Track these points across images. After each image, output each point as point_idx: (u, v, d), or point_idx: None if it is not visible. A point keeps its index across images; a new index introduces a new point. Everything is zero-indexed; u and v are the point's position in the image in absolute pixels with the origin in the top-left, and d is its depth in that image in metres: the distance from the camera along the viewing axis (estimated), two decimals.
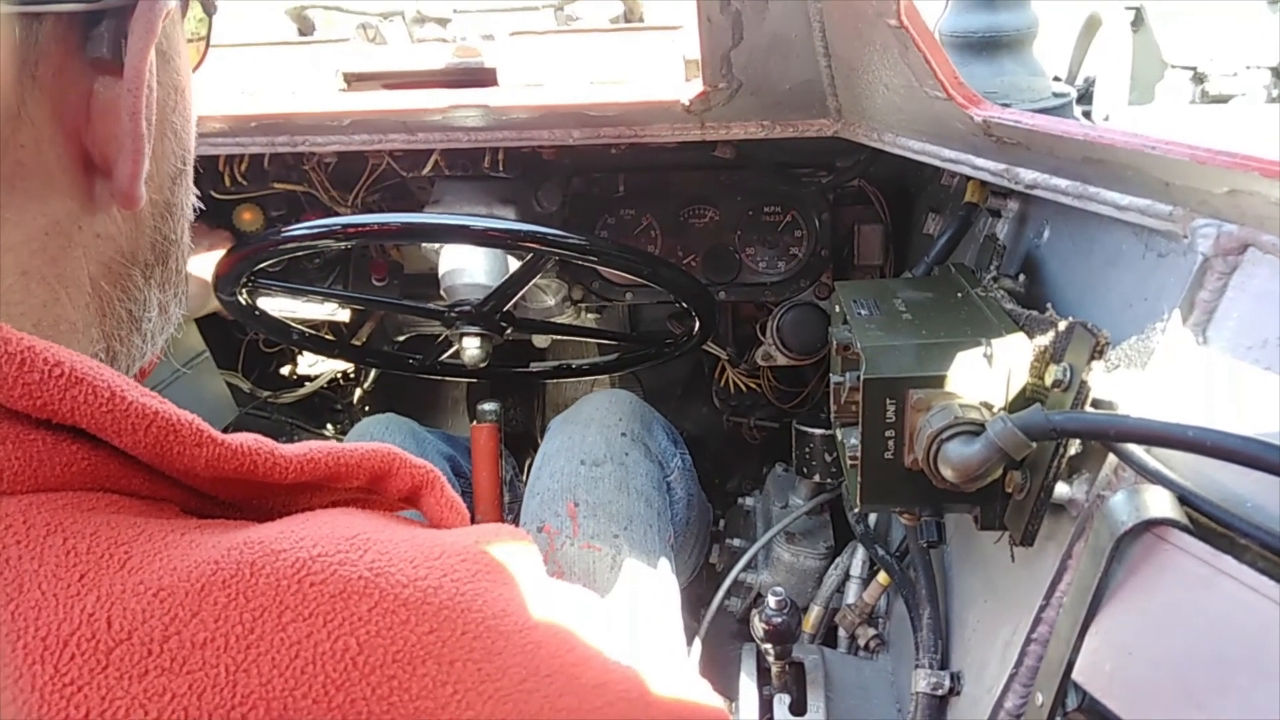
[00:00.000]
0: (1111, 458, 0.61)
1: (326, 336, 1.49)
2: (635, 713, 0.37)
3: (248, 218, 1.40)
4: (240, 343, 1.68)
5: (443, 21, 1.36)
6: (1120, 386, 0.61)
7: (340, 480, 0.43)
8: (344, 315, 1.51)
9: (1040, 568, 0.69)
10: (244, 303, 1.10)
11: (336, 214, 1.36)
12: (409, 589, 0.35)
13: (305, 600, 0.33)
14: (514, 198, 1.28)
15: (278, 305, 1.35)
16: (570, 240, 0.97)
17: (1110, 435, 0.57)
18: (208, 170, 1.29)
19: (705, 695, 0.42)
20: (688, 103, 0.96)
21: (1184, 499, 0.54)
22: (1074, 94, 1.09)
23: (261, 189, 1.33)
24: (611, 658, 0.38)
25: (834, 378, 0.83)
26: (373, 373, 1.89)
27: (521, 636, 0.36)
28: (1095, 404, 0.62)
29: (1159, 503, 0.54)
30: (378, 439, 1.29)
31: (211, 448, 0.37)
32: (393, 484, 0.45)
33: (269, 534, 0.36)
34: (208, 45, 0.51)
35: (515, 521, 1.31)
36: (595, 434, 1.20)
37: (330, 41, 1.33)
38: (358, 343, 1.58)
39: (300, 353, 1.74)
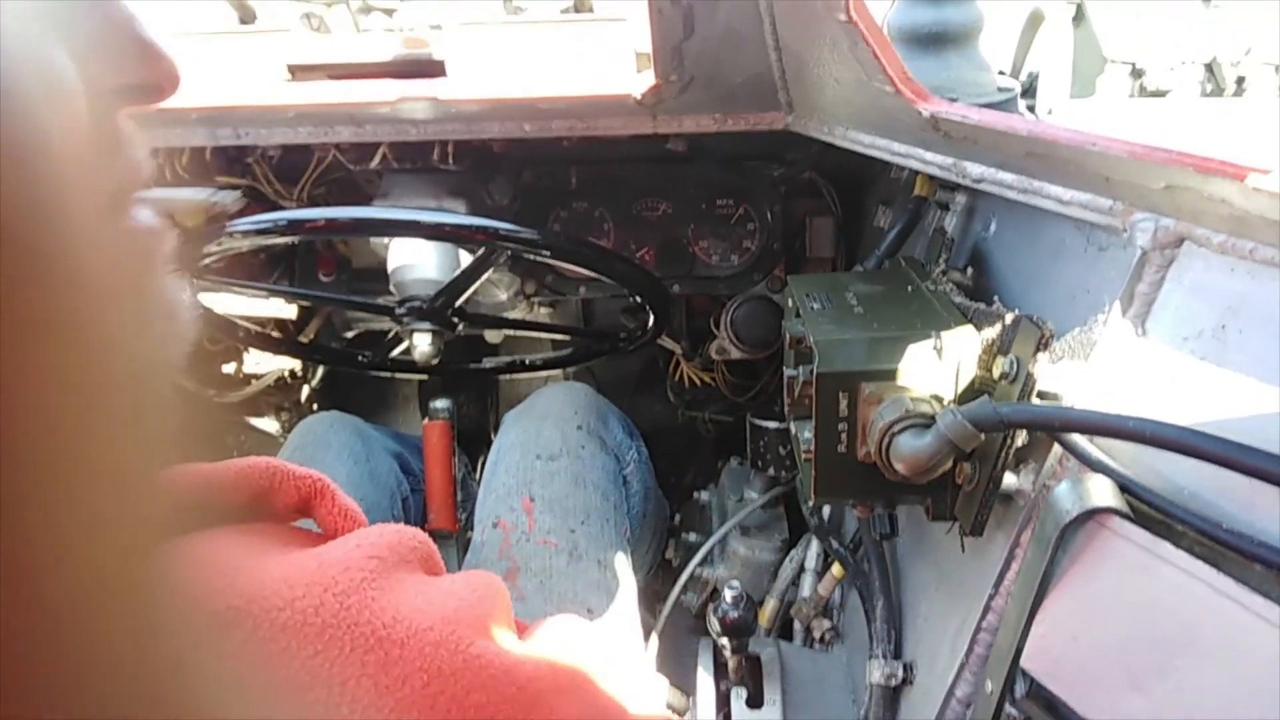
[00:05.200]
0: (1057, 448, 0.63)
1: (273, 333, 1.46)
2: (548, 690, 0.35)
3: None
4: None
5: (389, 11, 1.33)
6: (1064, 378, 0.63)
7: (219, 500, 0.40)
8: (291, 311, 1.48)
9: (989, 557, 0.70)
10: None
11: (282, 208, 1.33)
12: (285, 612, 0.33)
13: None
14: (464, 191, 1.27)
15: (222, 302, 1.32)
16: (523, 234, 0.96)
17: (1055, 426, 0.59)
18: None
19: (652, 700, 0.42)
20: (639, 96, 0.96)
21: (1125, 487, 0.55)
22: (1018, 89, 1.10)
23: (203, 183, 1.29)
24: (516, 645, 0.36)
25: (787, 371, 0.83)
26: (321, 370, 1.85)
27: (418, 640, 0.34)
28: (1041, 395, 0.63)
29: (1101, 492, 0.56)
30: (322, 438, 1.27)
31: None
32: (278, 498, 0.43)
33: None
34: None
35: (469, 520, 1.30)
36: (550, 428, 1.20)
37: (272, 31, 1.29)
38: (305, 339, 1.55)
39: (246, 350, 1.70)
